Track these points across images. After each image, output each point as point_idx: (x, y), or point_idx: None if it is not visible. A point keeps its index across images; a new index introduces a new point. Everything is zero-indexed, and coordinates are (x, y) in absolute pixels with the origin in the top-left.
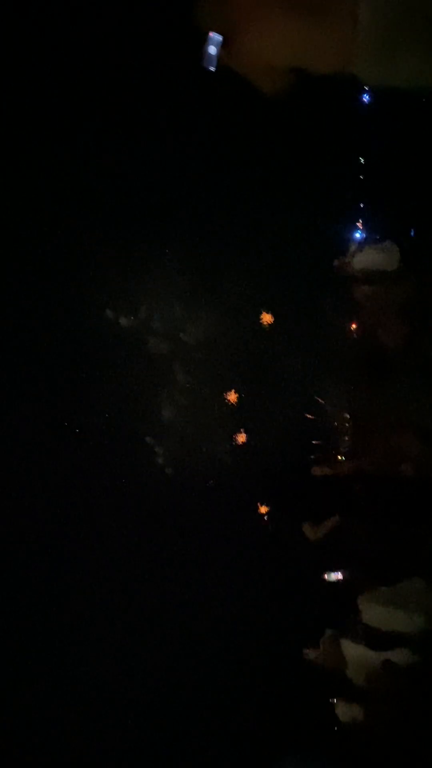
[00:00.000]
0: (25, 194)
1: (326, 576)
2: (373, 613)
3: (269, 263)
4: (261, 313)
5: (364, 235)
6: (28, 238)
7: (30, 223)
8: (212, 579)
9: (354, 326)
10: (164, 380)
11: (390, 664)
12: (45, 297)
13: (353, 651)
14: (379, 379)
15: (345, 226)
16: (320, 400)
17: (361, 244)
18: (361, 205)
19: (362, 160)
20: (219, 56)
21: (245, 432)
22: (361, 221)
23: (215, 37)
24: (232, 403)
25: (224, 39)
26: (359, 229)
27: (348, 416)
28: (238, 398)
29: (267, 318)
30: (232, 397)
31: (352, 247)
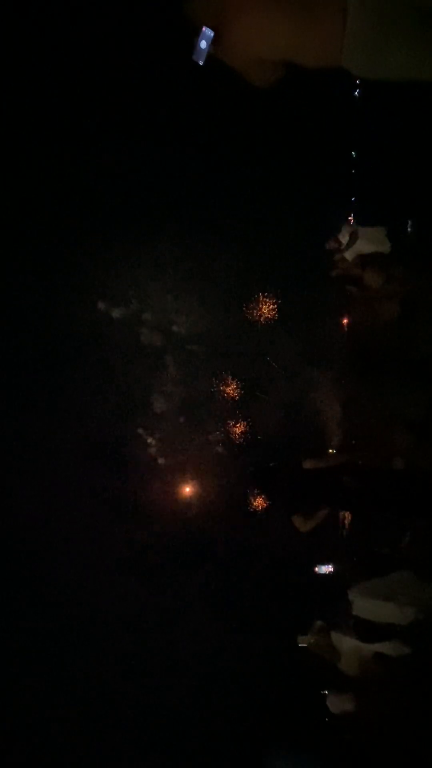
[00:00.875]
0: (14, 186)
1: (316, 569)
2: (364, 605)
3: (261, 256)
4: (254, 304)
5: (357, 228)
6: (19, 231)
7: (20, 215)
8: (201, 571)
9: (346, 318)
10: (156, 372)
11: (381, 656)
12: (35, 289)
13: (344, 643)
14: (371, 371)
15: (337, 220)
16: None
17: (354, 235)
18: (353, 199)
19: (354, 154)
20: (209, 50)
21: (237, 424)
22: (353, 215)
23: (207, 32)
24: (224, 395)
25: (214, 32)
26: (351, 222)
27: (339, 409)
28: (230, 390)
29: (261, 309)
30: (224, 389)
31: (345, 239)
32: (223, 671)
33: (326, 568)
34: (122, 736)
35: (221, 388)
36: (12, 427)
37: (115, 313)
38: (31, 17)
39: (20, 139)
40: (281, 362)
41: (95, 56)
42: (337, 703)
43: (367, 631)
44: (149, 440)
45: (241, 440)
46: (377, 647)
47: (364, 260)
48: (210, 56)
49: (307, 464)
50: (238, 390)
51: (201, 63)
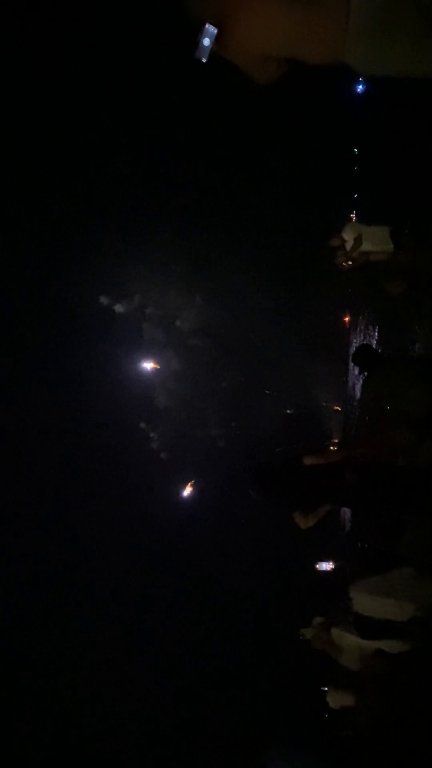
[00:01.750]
0: (21, 182)
1: (317, 565)
2: (365, 601)
3: (264, 252)
4: (256, 301)
5: (360, 227)
6: (24, 226)
7: (26, 210)
8: (202, 567)
9: (348, 315)
10: (159, 366)
11: (382, 652)
12: (41, 283)
13: (344, 640)
14: (372, 368)
15: (340, 215)
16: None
17: (358, 239)
18: (356, 196)
19: (356, 151)
20: (212, 47)
21: (239, 419)
22: (355, 211)
23: (210, 28)
24: (226, 390)
25: (216, 29)
26: (354, 218)
27: (341, 405)
28: (232, 385)
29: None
30: (226, 384)
31: (347, 235)
32: (223, 667)
33: (327, 565)
34: (123, 728)
35: (222, 383)
36: (16, 420)
37: (119, 308)
38: (32, 14)
39: (28, 137)
40: (283, 358)
41: (100, 55)
42: (337, 699)
43: (368, 627)
44: (151, 435)
45: (242, 436)
46: (378, 644)
47: (367, 258)
48: (212, 53)
49: (308, 460)
50: (240, 385)
51: (204, 60)
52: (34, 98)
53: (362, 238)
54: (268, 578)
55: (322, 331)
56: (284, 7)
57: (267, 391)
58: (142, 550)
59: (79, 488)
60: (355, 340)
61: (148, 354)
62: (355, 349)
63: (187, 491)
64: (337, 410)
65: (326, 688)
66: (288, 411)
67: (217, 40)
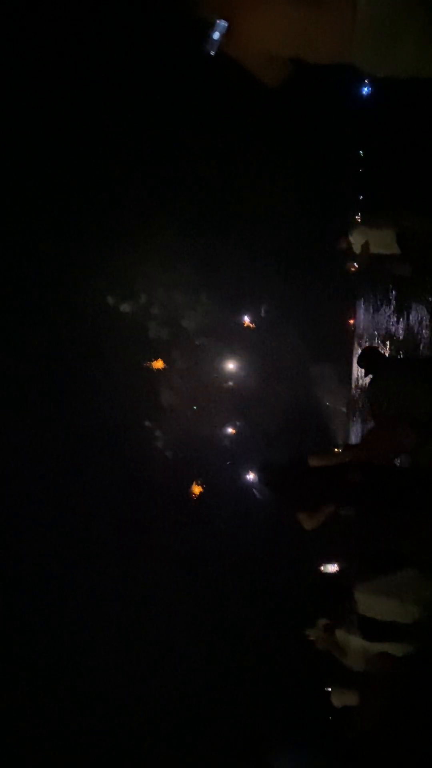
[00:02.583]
0: (25, 181)
1: (321, 567)
2: (369, 603)
3: (270, 253)
4: (260, 300)
5: (365, 226)
6: (31, 228)
7: (33, 211)
8: (206, 567)
9: (353, 316)
10: (164, 365)
11: (386, 654)
12: (48, 284)
13: (349, 641)
14: (377, 370)
15: (345, 216)
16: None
17: (366, 246)
18: (361, 197)
19: (361, 153)
20: (220, 44)
21: (244, 418)
22: (361, 212)
23: (221, 23)
24: (230, 390)
25: (227, 23)
26: (359, 219)
27: (345, 407)
28: (237, 385)
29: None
30: (230, 384)
31: (353, 237)
32: (226, 668)
33: (331, 567)
34: (126, 729)
35: (227, 383)
36: (22, 417)
37: (124, 307)
38: (36, 15)
39: (36, 136)
40: (288, 358)
41: (106, 57)
42: (341, 699)
43: (373, 629)
44: (156, 433)
45: (247, 436)
46: (383, 646)
47: (372, 260)
48: (218, 54)
49: (313, 462)
50: (245, 386)
51: (212, 53)
52: (40, 99)
53: (369, 245)
54: (272, 579)
55: (328, 332)
56: (291, 6)
57: (280, 392)
58: (147, 548)
59: (84, 485)
60: (360, 342)
61: (154, 353)
62: (360, 351)
63: (192, 490)
64: (342, 411)
65: (330, 689)
66: (293, 411)
67: (224, 38)
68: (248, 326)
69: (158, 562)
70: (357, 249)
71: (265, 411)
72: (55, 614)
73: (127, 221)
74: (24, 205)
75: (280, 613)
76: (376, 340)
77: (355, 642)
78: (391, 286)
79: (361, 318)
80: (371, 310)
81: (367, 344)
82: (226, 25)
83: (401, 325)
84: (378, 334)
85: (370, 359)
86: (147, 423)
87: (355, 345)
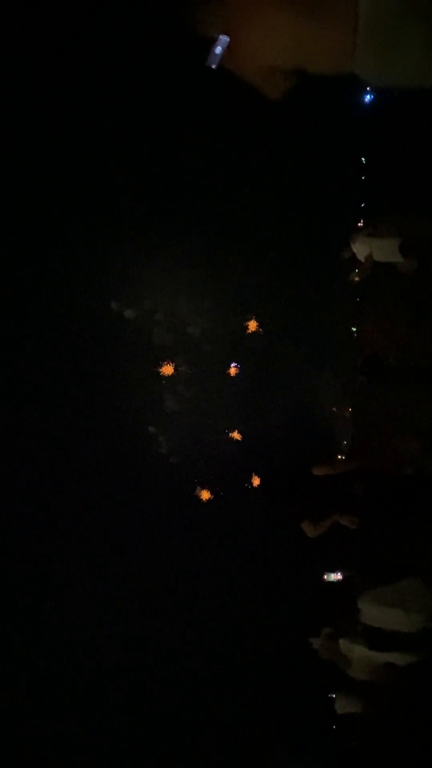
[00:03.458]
0: (27, 186)
1: (325, 576)
2: (373, 613)
3: (273, 260)
4: (264, 308)
5: (369, 236)
6: (35, 232)
7: (36, 216)
8: (208, 576)
9: (357, 323)
10: (168, 371)
11: (390, 664)
12: (51, 289)
13: (353, 651)
14: (380, 378)
15: (347, 224)
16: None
17: (369, 259)
18: (363, 205)
19: (363, 160)
20: (222, 58)
21: (248, 425)
22: (363, 220)
23: (223, 38)
24: (234, 397)
25: (229, 38)
26: (362, 227)
27: (349, 415)
28: (241, 392)
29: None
30: (234, 391)
31: (356, 246)
32: (228, 676)
33: (335, 576)
34: (127, 737)
35: (231, 390)
36: (25, 423)
37: (128, 313)
38: (37, 31)
39: (34, 146)
40: (292, 365)
41: (108, 65)
42: (345, 706)
43: (377, 638)
44: (159, 440)
45: (251, 444)
46: (387, 656)
47: (375, 260)
48: (220, 66)
49: (317, 471)
50: (249, 393)
51: (214, 67)
52: (40, 101)
53: (372, 256)
54: (275, 588)
55: (332, 339)
56: (292, 18)
57: (269, 397)
58: (149, 554)
59: (87, 491)
60: (363, 350)
61: (158, 359)
62: (362, 359)
63: (198, 495)
64: (346, 419)
65: (334, 695)
66: (297, 418)
67: (226, 52)
68: (252, 333)
69: (160, 568)
70: (360, 257)
71: (268, 418)
72: (55, 617)
73: (133, 229)
74: (27, 212)
75: (284, 623)
76: (379, 349)
77: (359, 651)
78: (394, 294)
79: (364, 326)
80: (374, 318)
81: (369, 353)
82: (228, 39)
83: (404, 334)
84: (381, 342)
85: (372, 368)
86: (151, 428)
87: (359, 353)
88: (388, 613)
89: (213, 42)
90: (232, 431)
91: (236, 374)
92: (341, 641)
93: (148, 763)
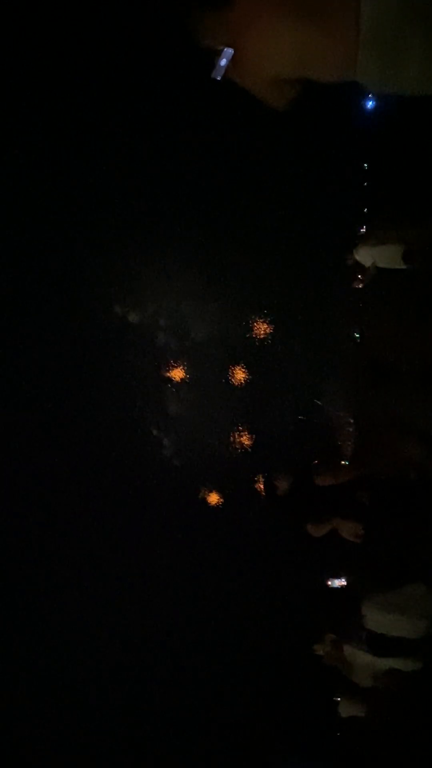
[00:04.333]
0: (29, 190)
1: (329, 582)
2: (377, 619)
3: (275, 268)
4: (267, 312)
5: (372, 244)
6: (38, 236)
7: (39, 219)
8: (212, 578)
9: (359, 329)
10: (171, 376)
11: (395, 670)
12: (54, 293)
13: (356, 657)
14: (383, 383)
15: (349, 231)
16: (318, 402)
17: (366, 246)
18: (366, 210)
19: (366, 166)
20: (226, 70)
21: (252, 430)
22: (365, 226)
23: (228, 50)
24: (237, 400)
25: (233, 50)
26: (364, 234)
27: (351, 421)
28: (243, 396)
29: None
30: (237, 394)
31: (359, 253)
32: (230, 682)
33: (339, 582)
34: (127, 741)
35: (234, 393)
36: (29, 426)
37: (132, 317)
38: (38, 33)
39: (36, 150)
40: (295, 368)
41: (111, 73)
42: (349, 710)
43: (381, 645)
44: (162, 443)
45: (253, 447)
46: (391, 662)
47: (377, 266)
48: (224, 77)
49: (320, 481)
50: (251, 397)
51: (219, 79)
52: (42, 108)
53: (374, 259)
54: (278, 593)
55: (334, 344)
56: (294, 27)
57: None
58: (151, 557)
59: (90, 493)
60: (364, 355)
61: (160, 362)
62: (364, 362)
63: (198, 499)
64: (349, 426)
65: (338, 698)
66: (300, 420)
67: (230, 64)
68: (254, 338)
69: (162, 571)
70: (362, 263)
71: (271, 422)
72: (55, 617)
73: (136, 234)
74: (30, 215)
75: (287, 628)
76: (381, 353)
77: (362, 657)
78: (396, 298)
79: (366, 330)
80: (376, 323)
81: (371, 356)
82: (232, 51)
83: (406, 338)
84: (383, 346)
85: (374, 371)
86: (154, 431)
87: (361, 357)
88: (392, 619)
89: (217, 54)
90: (235, 435)
91: (240, 378)
92: (345, 647)
93: (147, 761)
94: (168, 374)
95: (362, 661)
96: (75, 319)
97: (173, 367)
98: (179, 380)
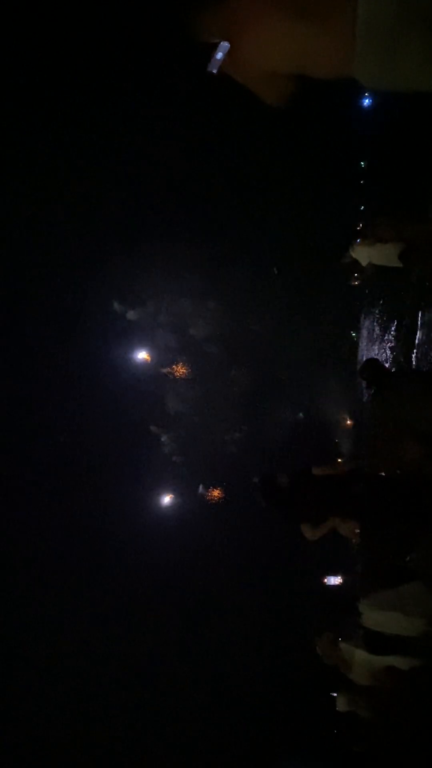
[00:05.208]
0: (32, 189)
1: (326, 580)
2: (374, 617)
3: (275, 263)
4: (266, 310)
5: (369, 243)
6: (40, 236)
7: (42, 219)
8: (210, 577)
9: (357, 327)
10: (171, 372)
11: (392, 668)
12: (55, 291)
13: (354, 655)
14: (380, 381)
15: (347, 229)
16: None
17: (364, 242)
18: (362, 208)
19: (363, 164)
20: (222, 64)
21: (249, 428)
22: (362, 224)
23: (224, 44)
24: (235, 399)
25: (229, 44)
26: (361, 231)
27: (349, 419)
28: (242, 395)
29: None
30: (235, 392)
31: (356, 251)
32: (229, 681)
33: (336, 579)
34: (127, 740)
35: (232, 392)
36: (30, 423)
37: (131, 315)
38: (38, 33)
39: (39, 150)
40: (293, 367)
41: (111, 72)
42: (347, 704)
43: (378, 642)
44: (161, 440)
45: (252, 446)
46: (388, 659)
47: (375, 264)
48: (220, 72)
49: (317, 471)
50: (250, 396)
51: (215, 72)
52: (44, 106)
53: (372, 258)
54: (276, 592)
55: (333, 342)
56: (291, 23)
57: (270, 400)
58: (149, 558)
59: (89, 490)
60: (364, 354)
61: (160, 360)
62: (361, 363)
63: (197, 495)
64: (347, 423)
65: (336, 694)
66: (298, 422)
67: (226, 58)
68: (253, 337)
69: (161, 571)
70: (360, 261)
71: (270, 421)
72: (55, 617)
73: (136, 232)
74: (32, 214)
75: (285, 627)
76: (379, 352)
77: (360, 655)
78: (394, 297)
79: (364, 329)
80: (374, 322)
81: (369, 356)
82: (229, 45)
83: (404, 337)
84: (381, 345)
85: (372, 371)
86: (153, 428)
87: (359, 356)
88: (389, 616)
89: (214, 48)
90: (233, 433)
91: (238, 376)
92: (342, 645)
93: (150, 761)
94: (167, 371)
95: (359, 658)
96: (75, 316)
97: (172, 364)
98: (179, 378)
